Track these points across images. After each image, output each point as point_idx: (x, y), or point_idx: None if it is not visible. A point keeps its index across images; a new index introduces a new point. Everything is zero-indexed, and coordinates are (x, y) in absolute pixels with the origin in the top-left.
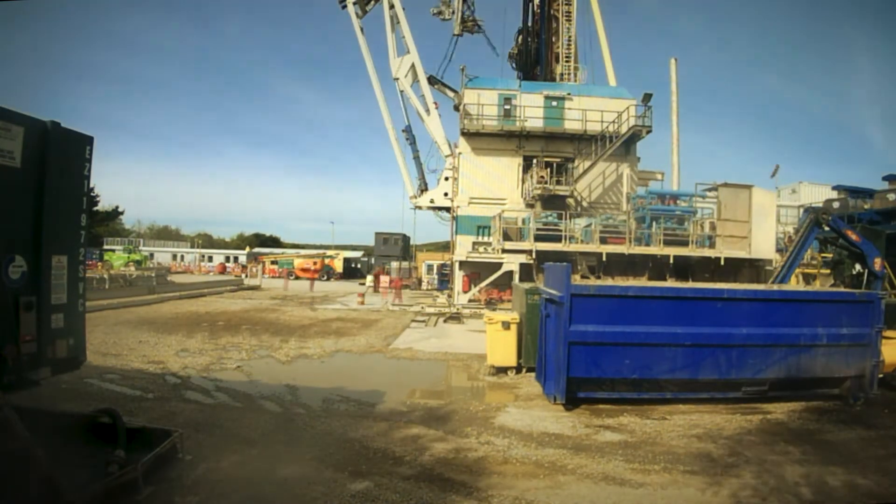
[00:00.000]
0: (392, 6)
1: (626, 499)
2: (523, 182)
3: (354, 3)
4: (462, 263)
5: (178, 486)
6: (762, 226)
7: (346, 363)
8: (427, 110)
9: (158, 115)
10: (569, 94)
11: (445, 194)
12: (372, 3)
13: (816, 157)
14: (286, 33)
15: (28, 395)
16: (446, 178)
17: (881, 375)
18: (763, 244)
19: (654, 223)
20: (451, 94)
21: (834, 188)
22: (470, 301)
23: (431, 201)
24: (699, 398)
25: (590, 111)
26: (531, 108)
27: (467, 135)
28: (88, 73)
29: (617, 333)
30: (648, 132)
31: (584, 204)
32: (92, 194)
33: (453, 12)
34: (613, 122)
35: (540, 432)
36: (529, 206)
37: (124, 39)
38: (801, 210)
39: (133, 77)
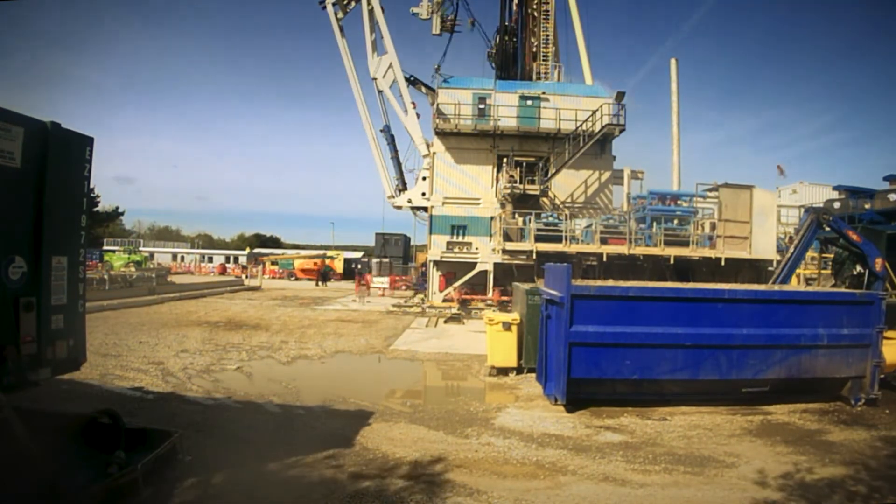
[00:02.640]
0: (371, 6)
1: (627, 499)
2: (497, 181)
3: (334, 4)
4: (438, 263)
5: (178, 486)
6: (763, 226)
7: (347, 364)
8: (405, 110)
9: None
10: (543, 93)
11: (423, 194)
12: (352, 2)
13: (817, 157)
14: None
15: (28, 395)
16: (423, 178)
17: (882, 376)
18: (764, 244)
19: (654, 224)
20: (432, 94)
21: (834, 188)
22: (444, 301)
23: (409, 201)
24: (700, 399)
25: (565, 110)
26: (506, 108)
27: (441, 134)
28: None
29: (618, 334)
30: (622, 131)
31: (559, 203)
32: (92, 195)
33: (433, 12)
34: (587, 120)
35: (540, 433)
36: (502, 205)
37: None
38: (802, 210)
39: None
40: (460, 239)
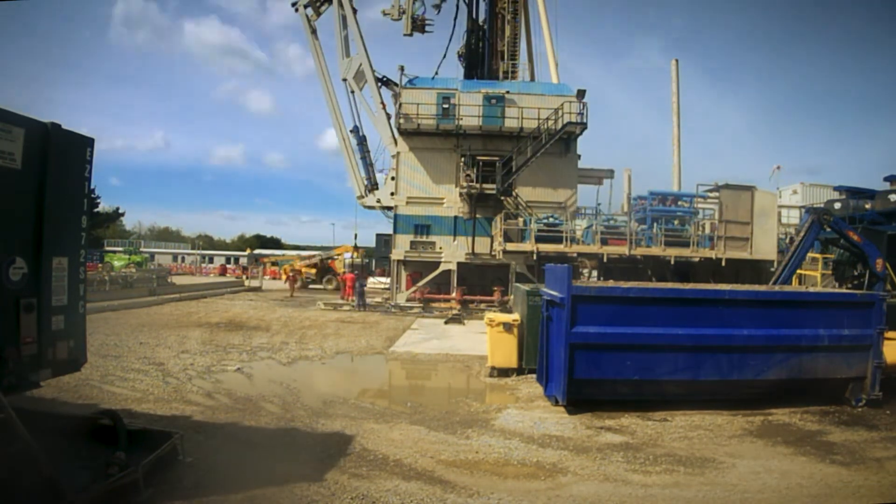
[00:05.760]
0: (343, 10)
1: (628, 500)
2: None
3: (306, 6)
4: (403, 263)
5: (178, 487)
6: (764, 227)
7: (347, 365)
8: (375, 111)
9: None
10: (508, 92)
11: (392, 194)
12: (325, 5)
13: (818, 157)
14: None
15: (29, 396)
16: (392, 178)
17: (883, 377)
18: (765, 245)
19: (655, 224)
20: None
21: (835, 189)
22: (408, 300)
23: (378, 201)
24: (700, 399)
25: (528, 109)
26: (470, 107)
27: (405, 134)
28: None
29: (618, 335)
30: (584, 129)
31: (522, 203)
32: (92, 196)
33: (403, 12)
34: (548, 119)
35: (541, 434)
36: (464, 205)
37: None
38: (803, 211)
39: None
40: (424, 238)
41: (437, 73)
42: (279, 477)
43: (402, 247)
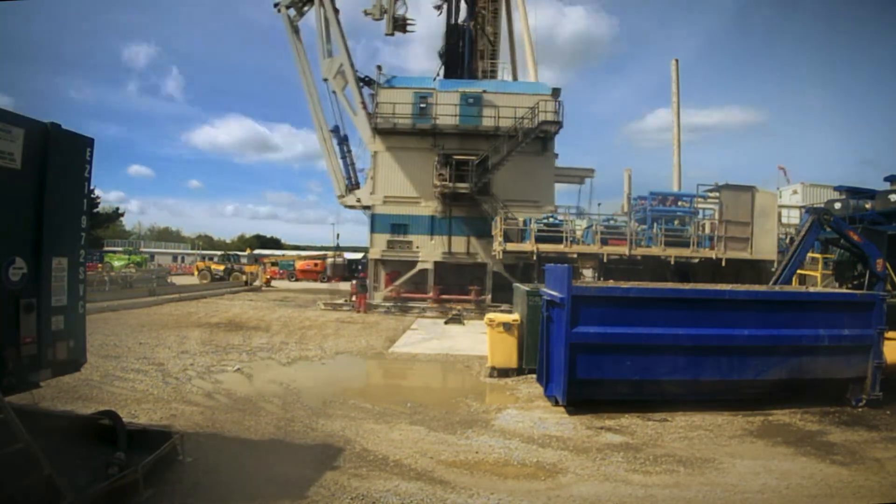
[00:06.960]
0: (325, 12)
1: (629, 500)
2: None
3: (288, 7)
4: (382, 262)
5: (178, 488)
6: (764, 227)
7: (347, 365)
8: (355, 111)
9: None
10: (485, 91)
11: (371, 193)
12: (307, 6)
13: (818, 158)
14: None
15: (28, 396)
16: (372, 178)
17: (883, 377)
18: (765, 245)
19: (655, 224)
20: None
21: (836, 189)
22: (384, 300)
23: (358, 200)
24: (700, 399)
25: (505, 108)
26: (447, 106)
27: (382, 133)
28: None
29: (618, 335)
30: (559, 128)
31: (500, 202)
32: (92, 196)
33: (384, 12)
34: (523, 118)
35: (541, 434)
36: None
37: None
38: (803, 211)
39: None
40: (401, 238)
41: (380, 70)
42: (279, 477)
43: (379, 246)
